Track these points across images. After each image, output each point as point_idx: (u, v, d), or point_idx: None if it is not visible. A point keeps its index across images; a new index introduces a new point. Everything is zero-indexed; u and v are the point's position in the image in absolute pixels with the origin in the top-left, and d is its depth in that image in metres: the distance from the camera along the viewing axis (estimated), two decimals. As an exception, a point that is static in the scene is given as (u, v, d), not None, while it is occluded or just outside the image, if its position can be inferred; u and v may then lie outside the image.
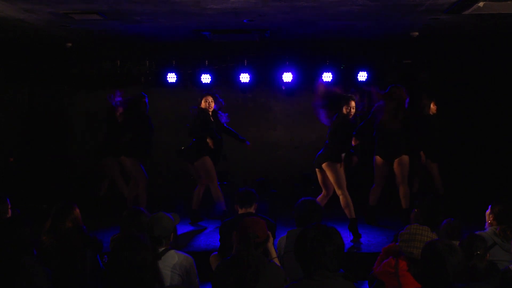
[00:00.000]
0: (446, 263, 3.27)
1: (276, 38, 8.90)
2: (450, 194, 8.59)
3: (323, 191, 7.62)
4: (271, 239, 4.39)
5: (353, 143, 7.75)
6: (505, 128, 9.70)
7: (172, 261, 4.11)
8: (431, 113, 8.69)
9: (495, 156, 9.73)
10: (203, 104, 8.05)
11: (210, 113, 8.11)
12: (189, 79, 9.85)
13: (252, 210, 5.32)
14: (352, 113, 7.44)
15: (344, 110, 7.39)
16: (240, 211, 5.35)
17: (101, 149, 8.94)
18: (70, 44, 9.09)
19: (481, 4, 6.21)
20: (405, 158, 7.77)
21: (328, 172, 7.35)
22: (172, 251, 4.19)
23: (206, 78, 9.58)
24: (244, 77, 9.55)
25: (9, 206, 5.44)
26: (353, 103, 7.41)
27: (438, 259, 3.29)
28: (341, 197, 7.31)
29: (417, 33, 8.25)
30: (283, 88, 10.01)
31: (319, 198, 7.52)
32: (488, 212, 5.09)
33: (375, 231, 7.70)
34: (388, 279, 4.01)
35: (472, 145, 9.87)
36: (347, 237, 7.21)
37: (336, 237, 3.24)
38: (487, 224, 5.06)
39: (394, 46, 9.48)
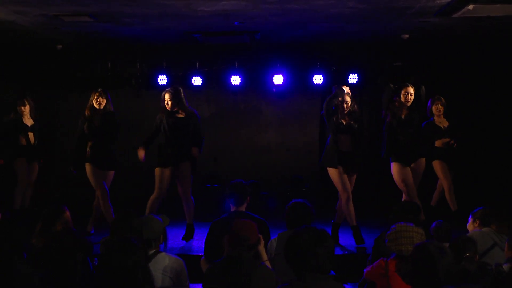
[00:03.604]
0: (437, 265, 3.28)
1: (267, 41, 8.91)
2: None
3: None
4: (262, 242, 4.39)
5: None
6: (501, 129, 9.71)
7: (163, 263, 4.10)
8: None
9: (489, 159, 9.74)
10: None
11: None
12: (180, 81, 9.78)
13: (243, 209, 5.25)
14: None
15: None
16: (232, 209, 5.31)
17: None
18: (60, 46, 9.05)
19: (471, 7, 6.24)
20: None
21: None
22: (163, 254, 4.17)
23: (196, 81, 9.55)
24: (235, 80, 9.52)
25: (-1, 209, 5.42)
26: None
27: (429, 260, 3.30)
28: None
29: (407, 36, 8.28)
30: (274, 90, 9.98)
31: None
32: (469, 224, 5.12)
33: (367, 233, 7.69)
34: (379, 280, 4.02)
35: (465, 147, 9.87)
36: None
37: (327, 239, 3.24)
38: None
39: (385, 49, 9.49)
